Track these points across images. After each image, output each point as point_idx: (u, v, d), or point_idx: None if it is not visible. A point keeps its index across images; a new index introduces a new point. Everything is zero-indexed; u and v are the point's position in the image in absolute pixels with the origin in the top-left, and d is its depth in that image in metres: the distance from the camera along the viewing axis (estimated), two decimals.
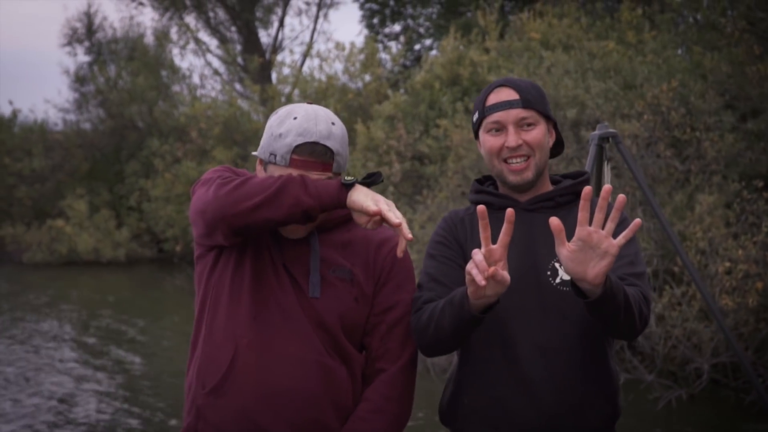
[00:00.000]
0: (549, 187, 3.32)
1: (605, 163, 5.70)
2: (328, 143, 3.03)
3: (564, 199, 3.26)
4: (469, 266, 2.80)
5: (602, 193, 2.74)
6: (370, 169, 14.86)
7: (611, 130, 5.75)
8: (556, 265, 3.15)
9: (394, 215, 2.92)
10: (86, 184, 24.34)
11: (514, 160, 3.20)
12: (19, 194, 24.21)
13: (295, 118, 3.05)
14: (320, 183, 2.94)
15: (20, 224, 23.69)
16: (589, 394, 3.20)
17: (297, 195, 2.90)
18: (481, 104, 3.26)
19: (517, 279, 3.03)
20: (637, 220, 2.74)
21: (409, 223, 12.82)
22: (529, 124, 3.19)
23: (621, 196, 2.74)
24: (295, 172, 3.00)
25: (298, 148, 3.00)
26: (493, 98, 3.22)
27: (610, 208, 2.76)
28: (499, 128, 3.21)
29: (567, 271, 2.80)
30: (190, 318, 3.27)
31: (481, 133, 3.26)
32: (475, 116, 3.29)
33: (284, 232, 3.13)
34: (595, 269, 2.74)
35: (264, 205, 2.91)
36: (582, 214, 2.75)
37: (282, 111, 3.11)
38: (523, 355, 3.18)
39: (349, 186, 2.94)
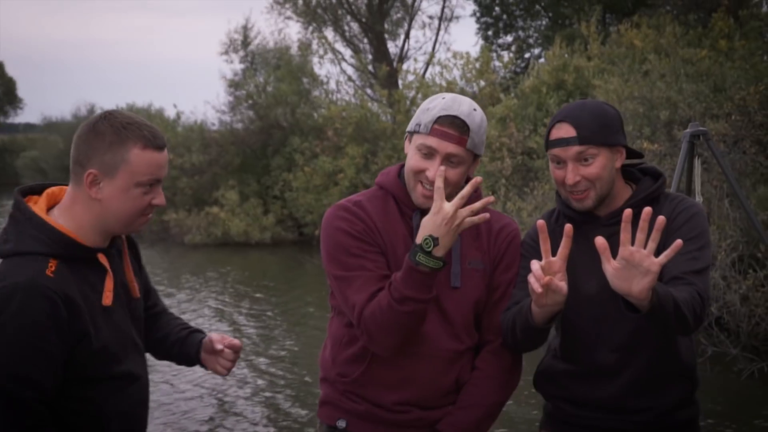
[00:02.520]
0: (626, 195, 3.19)
1: (696, 158, 5.63)
2: (467, 120, 2.99)
3: (638, 210, 2.94)
4: (529, 276, 2.77)
5: (643, 215, 2.66)
6: (485, 163, 14.83)
7: (702, 128, 5.67)
8: None
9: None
10: (237, 176, 24.70)
11: (576, 192, 3.09)
12: (181, 185, 24.69)
13: (443, 98, 3.05)
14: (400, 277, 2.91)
15: (182, 210, 24.11)
16: (665, 376, 3.15)
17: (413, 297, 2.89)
18: (546, 137, 3.15)
19: (599, 290, 2.98)
20: (678, 242, 2.65)
21: (518, 211, 12.79)
22: (586, 159, 3.04)
23: (660, 218, 2.65)
24: (434, 141, 2.98)
25: (440, 119, 2.98)
26: (554, 133, 3.10)
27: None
28: (560, 161, 3.09)
29: (613, 288, 2.70)
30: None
31: (549, 160, 3.16)
32: (545, 143, 3.18)
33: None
34: (639, 286, 2.64)
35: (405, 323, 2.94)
36: (624, 235, 2.67)
37: (434, 95, 3.10)
38: (602, 359, 3.15)
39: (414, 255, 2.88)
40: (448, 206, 2.82)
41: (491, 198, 2.88)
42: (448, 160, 3.00)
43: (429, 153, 3.00)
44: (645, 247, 2.66)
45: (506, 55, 26.15)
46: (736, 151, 11.20)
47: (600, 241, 2.67)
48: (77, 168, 2.72)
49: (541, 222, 2.79)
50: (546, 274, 2.76)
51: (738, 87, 11.99)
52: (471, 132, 3.00)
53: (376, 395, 3.11)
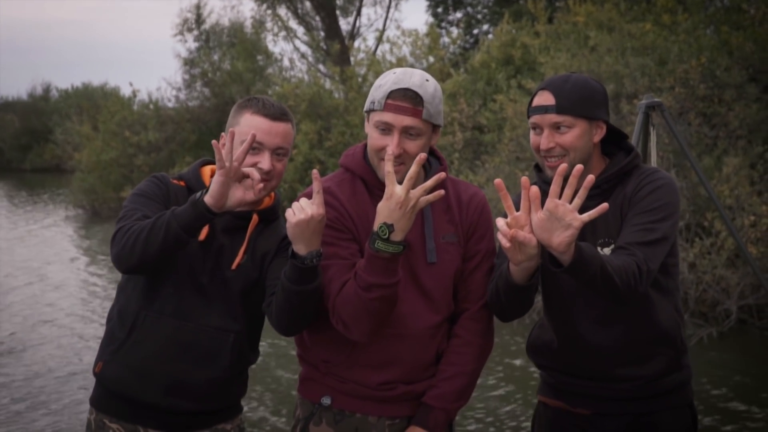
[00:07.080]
0: (601, 169, 3.15)
1: (651, 129, 5.57)
2: (419, 91, 2.91)
3: (609, 184, 3.10)
4: (497, 233, 2.74)
5: (573, 171, 2.65)
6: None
7: (656, 99, 5.64)
8: (598, 248, 3.02)
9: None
10: (193, 152, 24.38)
11: (549, 158, 3.07)
12: (138, 162, 24.31)
13: (394, 73, 2.96)
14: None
15: None
16: (646, 345, 3.13)
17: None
18: (529, 104, 3.13)
19: None
20: (605, 204, 2.64)
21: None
22: (563, 128, 3.02)
23: (590, 177, 2.67)
24: (389, 116, 2.90)
25: (392, 93, 2.90)
26: (536, 101, 3.09)
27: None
28: (537, 128, 3.07)
29: (536, 237, 2.70)
30: None
31: (529, 127, 3.14)
32: (527, 110, 3.15)
33: None
34: (558, 238, 2.65)
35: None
36: (553, 187, 2.68)
37: (386, 72, 3.00)
38: (580, 330, 3.15)
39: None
40: (400, 190, 2.74)
41: (443, 174, 2.81)
42: (406, 133, 2.92)
43: (386, 129, 2.93)
44: (571, 202, 2.67)
45: (455, 31, 26.02)
46: (681, 123, 11.19)
47: (533, 189, 2.68)
48: None
49: (498, 180, 2.74)
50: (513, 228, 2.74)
51: (680, 60, 11.97)
52: (425, 102, 2.92)
53: (360, 377, 3.05)
